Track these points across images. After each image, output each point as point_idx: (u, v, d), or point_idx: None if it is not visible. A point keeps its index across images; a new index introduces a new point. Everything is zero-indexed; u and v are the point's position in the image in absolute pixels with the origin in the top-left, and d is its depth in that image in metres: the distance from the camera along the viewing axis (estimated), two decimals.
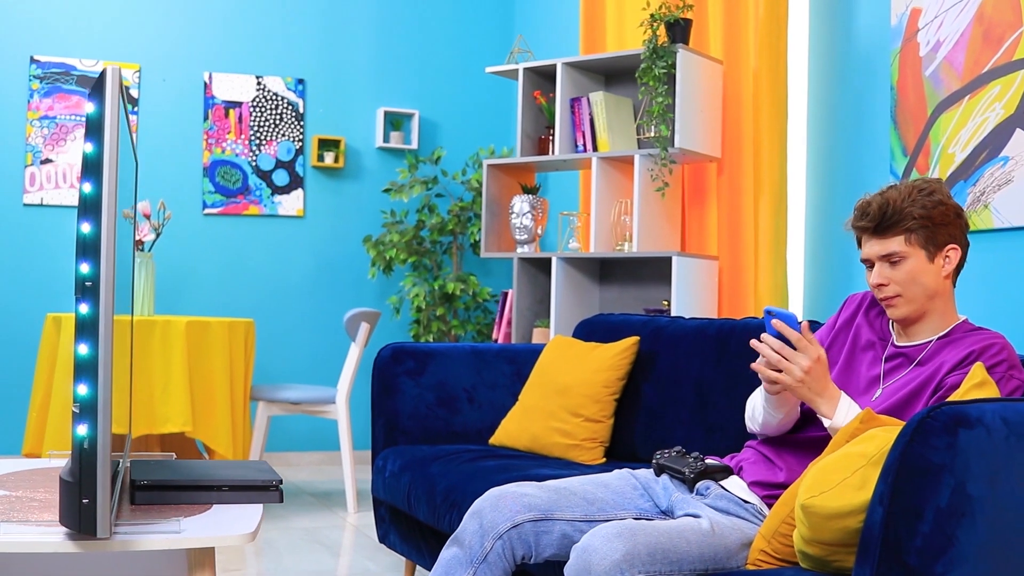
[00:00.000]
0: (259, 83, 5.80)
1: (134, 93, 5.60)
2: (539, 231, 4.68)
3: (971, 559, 1.61)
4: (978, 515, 1.61)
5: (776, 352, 2.13)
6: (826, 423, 2.10)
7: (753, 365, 2.16)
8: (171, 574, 2.25)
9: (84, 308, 1.52)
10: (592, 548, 1.92)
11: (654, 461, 2.38)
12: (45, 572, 2.19)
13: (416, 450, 3.26)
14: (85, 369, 1.52)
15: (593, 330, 3.59)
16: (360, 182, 6.04)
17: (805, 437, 2.29)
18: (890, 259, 2.18)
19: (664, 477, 2.35)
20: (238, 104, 5.76)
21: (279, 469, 5.75)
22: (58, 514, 1.62)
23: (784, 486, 2.23)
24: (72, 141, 5.48)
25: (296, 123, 5.88)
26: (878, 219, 2.18)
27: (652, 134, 4.22)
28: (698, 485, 2.29)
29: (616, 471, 2.41)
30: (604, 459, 3.22)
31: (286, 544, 4.07)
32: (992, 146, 3.25)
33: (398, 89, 6.13)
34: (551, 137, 4.73)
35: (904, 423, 1.93)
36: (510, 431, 3.35)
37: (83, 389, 1.53)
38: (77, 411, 1.53)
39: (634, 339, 3.28)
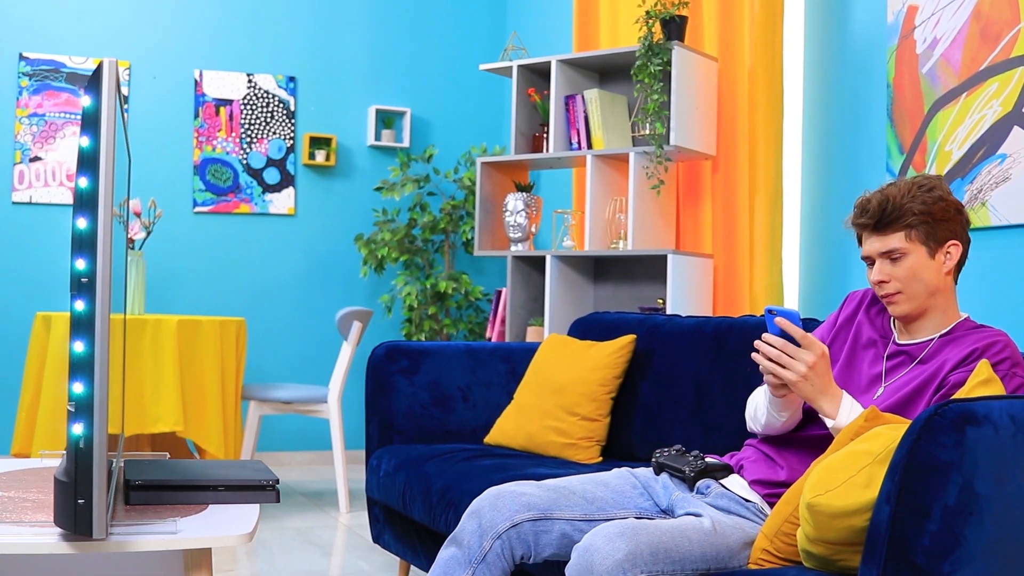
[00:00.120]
0: (250, 81, 5.77)
1: (124, 91, 5.56)
2: (533, 229, 4.66)
3: (978, 558, 1.59)
4: (985, 513, 1.59)
5: (779, 349, 2.11)
6: (829, 423, 2.08)
7: (757, 357, 2.14)
8: (166, 575, 2.22)
9: (80, 305, 1.49)
10: (594, 548, 1.90)
11: (654, 460, 2.36)
12: (39, 574, 2.16)
13: (411, 449, 3.24)
14: (81, 367, 1.49)
15: (589, 328, 3.57)
16: (351, 180, 6.01)
17: (806, 435, 2.27)
18: (891, 256, 2.17)
19: (664, 476, 2.33)
20: (229, 102, 5.73)
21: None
22: (52, 515, 1.60)
23: (785, 485, 2.21)
24: (61, 139, 5.44)
25: (287, 121, 5.85)
26: (878, 216, 2.16)
27: (647, 132, 4.21)
28: (698, 484, 2.27)
29: (615, 470, 2.39)
30: (601, 458, 3.20)
31: (279, 544, 4.04)
32: (989, 143, 3.23)
33: (390, 87, 6.10)
34: (545, 135, 4.71)
35: (908, 421, 1.92)
36: (505, 430, 3.33)
37: (79, 387, 1.50)
38: (73, 410, 1.51)
39: (631, 337, 3.26)
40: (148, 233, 4.69)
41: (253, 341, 5.78)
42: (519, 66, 4.73)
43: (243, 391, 4.74)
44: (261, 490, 2.10)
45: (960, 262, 2.20)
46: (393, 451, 3.27)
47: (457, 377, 3.53)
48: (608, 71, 4.68)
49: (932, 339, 2.19)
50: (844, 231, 3.85)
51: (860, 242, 2.24)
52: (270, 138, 5.80)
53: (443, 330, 5.76)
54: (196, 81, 5.68)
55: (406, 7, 6.13)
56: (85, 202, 1.49)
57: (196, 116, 5.67)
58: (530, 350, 3.67)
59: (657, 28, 4.14)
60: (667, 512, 2.27)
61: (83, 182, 1.48)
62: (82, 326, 1.49)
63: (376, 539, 3.42)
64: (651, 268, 4.45)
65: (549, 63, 4.60)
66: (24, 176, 5.38)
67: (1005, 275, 3.21)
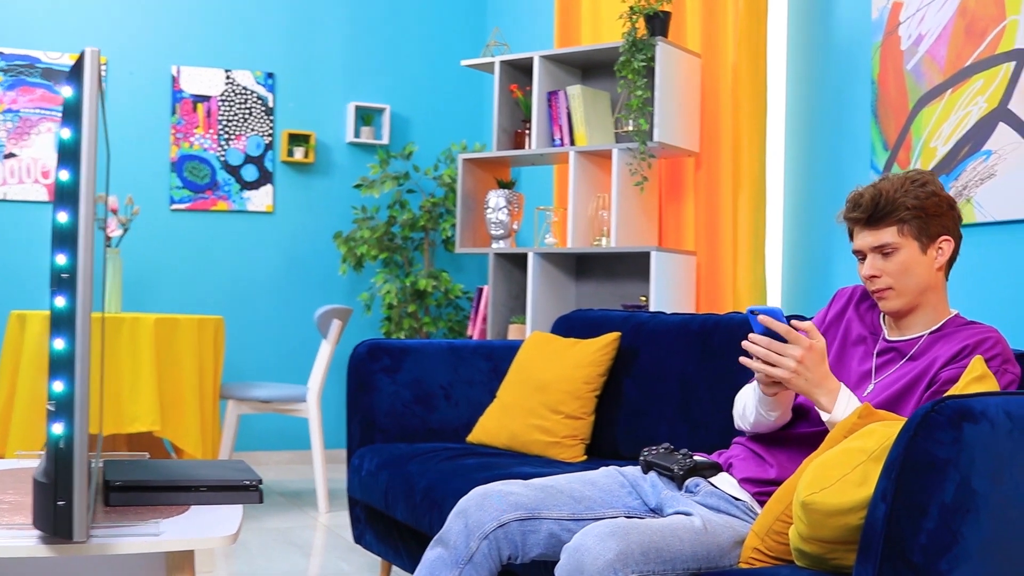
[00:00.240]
0: (228, 77, 5.71)
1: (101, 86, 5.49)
2: (515, 226, 4.63)
3: (975, 556, 1.57)
4: (982, 511, 1.57)
5: (765, 348, 2.09)
6: (824, 417, 2.05)
7: (746, 361, 2.12)
8: None
9: (60, 301, 1.45)
10: (585, 548, 1.87)
11: (641, 458, 2.33)
12: None
13: (393, 448, 3.20)
14: (62, 365, 1.45)
15: (572, 326, 3.54)
16: (330, 177, 5.96)
17: (796, 433, 2.25)
18: (882, 250, 2.15)
19: (652, 474, 2.31)
20: (206, 98, 5.67)
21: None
22: (31, 517, 1.55)
23: (775, 483, 2.19)
24: (37, 135, 5.36)
25: (265, 117, 5.79)
26: (871, 210, 2.14)
27: (631, 128, 4.18)
28: (687, 482, 2.24)
29: (603, 468, 2.36)
30: (585, 456, 3.17)
31: (258, 545, 3.99)
32: (975, 140, 3.23)
33: (369, 83, 6.05)
34: (527, 131, 4.68)
35: (902, 418, 1.90)
36: (488, 429, 3.29)
37: (59, 386, 1.46)
38: (53, 409, 1.46)
39: (615, 335, 3.24)
40: (125, 230, 4.63)
41: (231, 339, 5.72)
42: (502, 62, 4.70)
43: (221, 390, 4.69)
44: (244, 490, 2.06)
45: (952, 258, 2.19)
46: (375, 450, 3.23)
47: (439, 375, 3.49)
48: (591, 67, 4.66)
49: (922, 336, 2.17)
50: (828, 228, 3.84)
51: (851, 236, 2.22)
52: (248, 135, 5.75)
53: (423, 328, 5.72)
54: (173, 77, 5.61)
55: (385, 3, 6.09)
56: (66, 196, 1.45)
57: (173, 112, 5.61)
58: (512, 348, 3.64)
59: (641, 24, 4.11)
60: (656, 511, 2.25)
61: (64, 175, 1.44)
62: (63, 323, 1.45)
63: (357, 539, 3.38)
64: (633, 265, 4.42)
65: (531, 59, 4.57)
66: None
67: (990, 272, 3.21)
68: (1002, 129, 3.14)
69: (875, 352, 2.24)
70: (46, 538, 1.58)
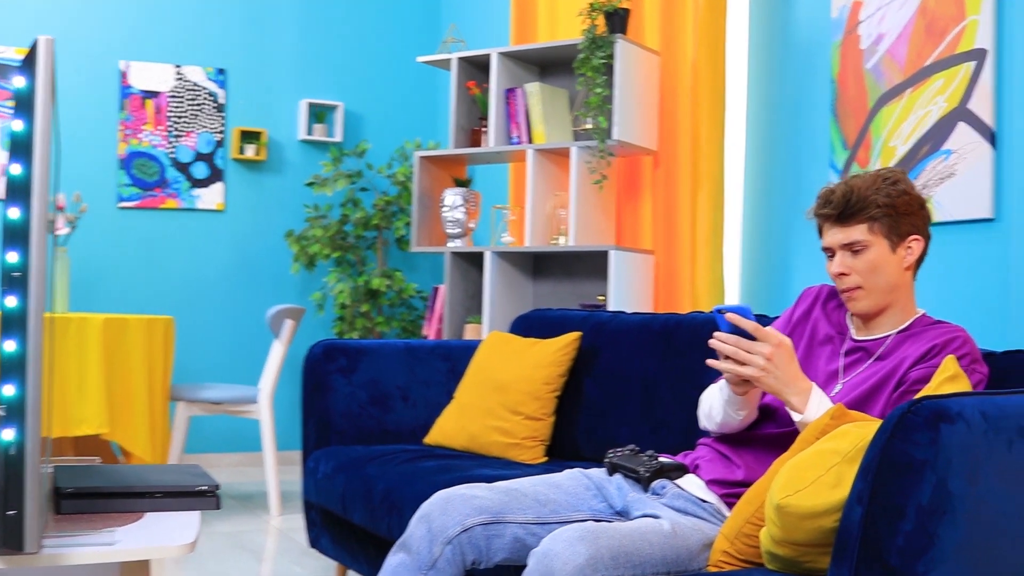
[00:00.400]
0: (178, 72, 5.60)
1: None
2: (471, 225, 4.58)
3: (951, 557, 1.55)
4: (959, 512, 1.56)
5: (732, 346, 2.06)
6: (796, 418, 2.02)
7: (714, 363, 2.09)
8: None
9: (11, 301, 1.38)
10: (554, 553, 1.83)
11: (607, 460, 2.30)
12: None
13: (350, 451, 3.14)
14: (12, 367, 1.38)
15: (531, 326, 3.50)
16: (282, 175, 5.87)
17: (762, 434, 2.23)
18: (852, 248, 2.13)
19: (617, 476, 2.27)
20: (156, 94, 5.56)
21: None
22: None
23: (743, 484, 2.16)
24: None
25: (216, 114, 5.69)
26: (842, 206, 2.13)
27: (589, 126, 4.15)
28: (653, 484, 2.21)
29: (567, 471, 2.32)
30: (546, 458, 3.13)
31: (209, 550, 3.91)
32: (935, 139, 3.23)
33: (322, 80, 5.97)
34: (484, 129, 4.63)
35: (874, 419, 1.88)
36: (446, 430, 3.24)
37: (10, 389, 1.39)
38: (3, 413, 1.39)
39: (576, 334, 3.20)
40: (72, 228, 4.52)
41: (180, 340, 5.62)
42: (459, 59, 4.64)
43: (171, 391, 4.59)
44: (200, 496, 2.00)
45: (920, 258, 2.17)
46: (331, 452, 3.17)
47: (396, 376, 3.44)
48: (548, 64, 4.62)
49: (890, 335, 2.16)
50: (787, 227, 3.84)
51: (820, 233, 2.20)
52: (198, 132, 5.65)
53: (376, 328, 5.65)
54: (122, 72, 5.50)
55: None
56: (18, 190, 1.38)
57: (121, 108, 5.49)
58: (470, 348, 3.59)
59: (600, 21, 4.08)
60: (622, 514, 2.21)
61: (16, 169, 1.37)
62: (14, 323, 1.38)
63: (313, 543, 3.32)
64: (591, 264, 4.39)
65: (489, 56, 4.52)
66: None
67: (951, 271, 3.21)
68: (962, 128, 3.14)
69: (842, 352, 2.22)
70: None
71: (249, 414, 4.66)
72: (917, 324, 2.16)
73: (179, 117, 5.60)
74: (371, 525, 2.81)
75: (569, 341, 3.19)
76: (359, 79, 6.06)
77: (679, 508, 2.14)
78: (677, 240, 4.11)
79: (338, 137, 5.92)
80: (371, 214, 5.71)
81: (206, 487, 2.00)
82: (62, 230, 4.47)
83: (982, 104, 3.09)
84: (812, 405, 2.01)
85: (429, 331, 4.79)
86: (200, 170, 5.65)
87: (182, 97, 5.61)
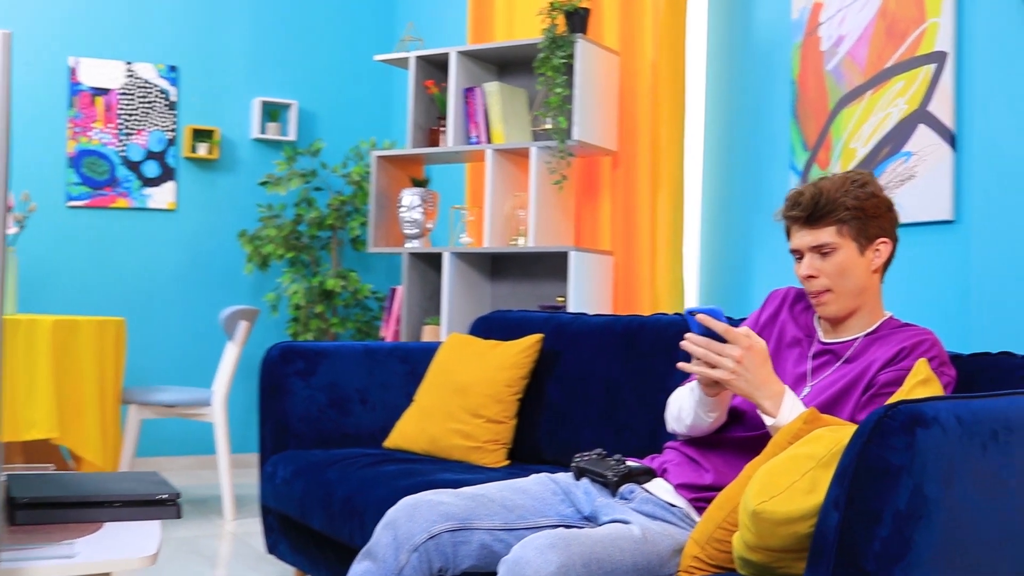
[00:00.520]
0: (128, 69, 5.50)
1: None
2: (429, 225, 4.54)
3: (927, 562, 1.55)
4: (934, 517, 1.55)
5: (703, 348, 2.04)
6: (768, 421, 2.01)
7: (684, 366, 2.07)
8: None
9: None
10: (525, 560, 1.80)
11: (574, 464, 2.27)
12: None
13: (309, 455, 3.09)
14: None
15: (491, 327, 3.47)
16: (235, 174, 5.79)
17: (731, 437, 2.21)
18: (821, 250, 2.12)
19: (584, 481, 2.24)
20: (106, 91, 5.46)
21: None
22: None
23: (712, 488, 2.15)
24: None
25: (168, 112, 5.60)
26: (811, 209, 2.12)
27: (549, 126, 4.12)
28: (621, 489, 2.18)
29: (534, 476, 2.29)
30: (508, 461, 3.10)
31: (163, 555, 3.84)
32: (895, 141, 3.24)
33: (275, 78, 5.90)
34: (443, 128, 4.59)
35: (847, 423, 1.87)
36: (406, 433, 3.20)
37: None
38: None
39: (537, 336, 3.17)
40: (21, 228, 4.42)
41: (131, 342, 5.52)
42: (416, 57, 4.60)
43: (122, 394, 4.51)
44: (160, 505, 1.95)
45: (888, 260, 2.17)
46: (289, 457, 3.12)
47: (354, 379, 3.39)
48: (506, 63, 4.59)
49: (857, 337, 2.16)
50: (747, 228, 3.84)
51: (788, 235, 2.19)
52: (150, 130, 5.55)
53: (330, 329, 5.59)
54: (71, 69, 5.39)
55: None
56: None
57: (71, 106, 5.38)
58: (429, 350, 3.55)
59: (560, 20, 4.06)
60: (590, 519, 2.18)
61: None
62: None
63: (271, 549, 3.26)
64: (550, 265, 4.37)
65: (447, 55, 4.48)
66: None
67: (911, 272, 3.22)
68: (922, 131, 3.15)
69: (810, 354, 2.21)
70: None
71: (203, 417, 4.58)
72: (885, 327, 2.16)
73: (130, 115, 5.50)
74: (331, 531, 2.76)
75: (531, 343, 3.16)
76: (313, 77, 5.99)
77: (648, 513, 2.12)
78: (636, 241, 4.09)
79: (292, 136, 5.85)
80: (325, 214, 5.64)
81: (166, 495, 1.94)
82: (11, 230, 4.37)
83: (942, 106, 3.11)
84: (785, 409, 2.00)
85: (386, 332, 4.74)
86: (151, 169, 5.56)
87: (133, 94, 5.51)
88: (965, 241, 3.10)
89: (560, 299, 4.16)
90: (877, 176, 3.29)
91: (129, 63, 5.50)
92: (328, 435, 3.29)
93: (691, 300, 4.06)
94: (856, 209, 2.10)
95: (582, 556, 1.83)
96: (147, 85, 5.54)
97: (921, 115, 3.16)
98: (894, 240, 2.16)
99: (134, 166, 5.51)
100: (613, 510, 2.13)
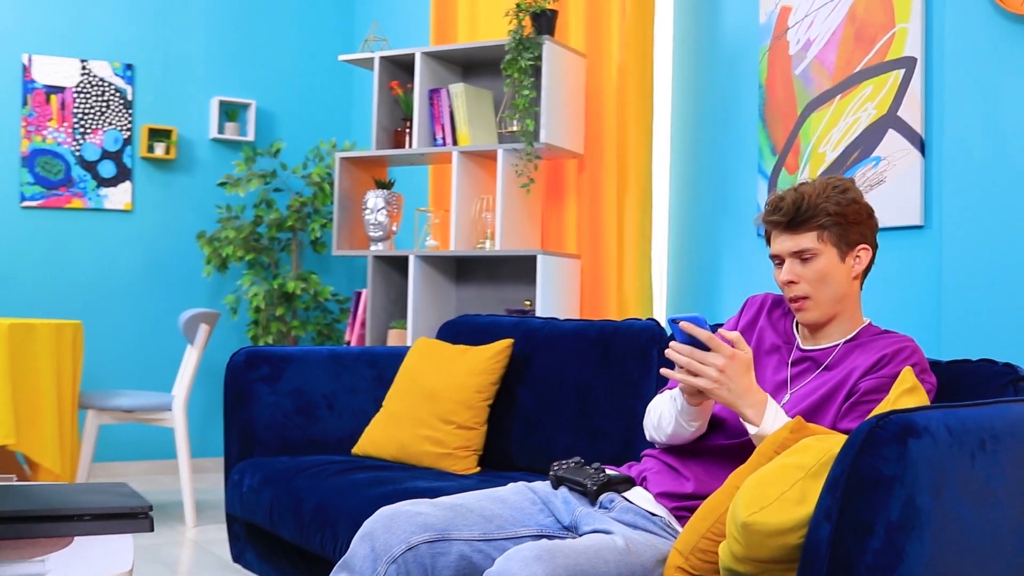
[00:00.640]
0: (84, 67, 5.40)
1: None
2: (394, 228, 4.49)
3: (918, 574, 1.54)
4: (925, 528, 1.54)
5: (686, 356, 2.02)
6: (752, 430, 1.99)
7: (668, 372, 2.05)
8: None
9: None
10: (510, 573, 1.77)
11: (551, 473, 2.24)
12: None
13: (276, 462, 3.04)
14: None
15: (459, 332, 3.43)
16: (193, 175, 5.70)
17: (712, 446, 2.19)
18: (801, 256, 2.12)
19: (563, 490, 2.22)
20: (60, 89, 5.35)
21: (104, 481, 5.37)
22: None
23: (693, 497, 2.13)
24: None
25: (124, 111, 5.50)
26: (792, 214, 2.11)
27: (515, 128, 4.09)
28: (601, 498, 2.16)
29: (511, 485, 2.26)
30: (478, 468, 3.07)
31: None
32: (864, 146, 3.25)
33: (233, 77, 5.82)
34: (407, 130, 4.55)
35: (834, 432, 1.85)
36: (375, 439, 3.16)
37: None
38: None
39: (508, 341, 3.14)
40: None
41: (88, 345, 5.41)
42: (381, 58, 4.55)
43: (80, 399, 4.42)
44: (133, 518, 1.89)
45: (868, 267, 2.17)
46: (256, 464, 3.06)
47: (321, 384, 3.34)
48: (471, 65, 4.56)
49: (837, 344, 2.15)
50: (715, 232, 3.83)
51: (768, 240, 2.18)
52: (105, 129, 5.45)
53: (291, 332, 5.52)
54: (24, 66, 5.27)
55: None
56: None
57: (24, 104, 5.27)
58: (397, 355, 3.50)
59: (527, 22, 4.03)
60: (570, 529, 2.16)
61: None
62: None
63: (236, 558, 3.20)
64: (515, 269, 4.34)
65: (413, 55, 4.44)
66: None
67: (881, 278, 3.23)
68: (891, 136, 3.16)
69: (790, 361, 2.20)
70: None
71: (163, 422, 4.51)
72: (864, 333, 2.15)
73: (85, 114, 5.40)
74: (302, 541, 2.71)
75: (501, 348, 3.13)
76: (272, 77, 5.92)
77: (628, 522, 2.09)
78: (603, 245, 4.08)
79: (250, 136, 5.77)
80: (285, 215, 5.57)
81: (138, 508, 1.89)
82: None
83: (911, 112, 3.12)
84: (768, 418, 1.98)
85: (351, 336, 4.69)
86: (107, 169, 5.46)
87: (88, 93, 5.41)
88: (935, 246, 3.11)
89: (527, 303, 4.13)
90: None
91: (84, 61, 5.40)
92: (295, 442, 3.24)
93: (660, 304, 4.05)
94: (837, 215, 2.09)
95: (567, 568, 1.80)
96: (103, 83, 5.45)
97: (890, 120, 3.17)
98: (874, 247, 2.16)
99: (90, 166, 5.41)
100: (594, 520, 2.10)
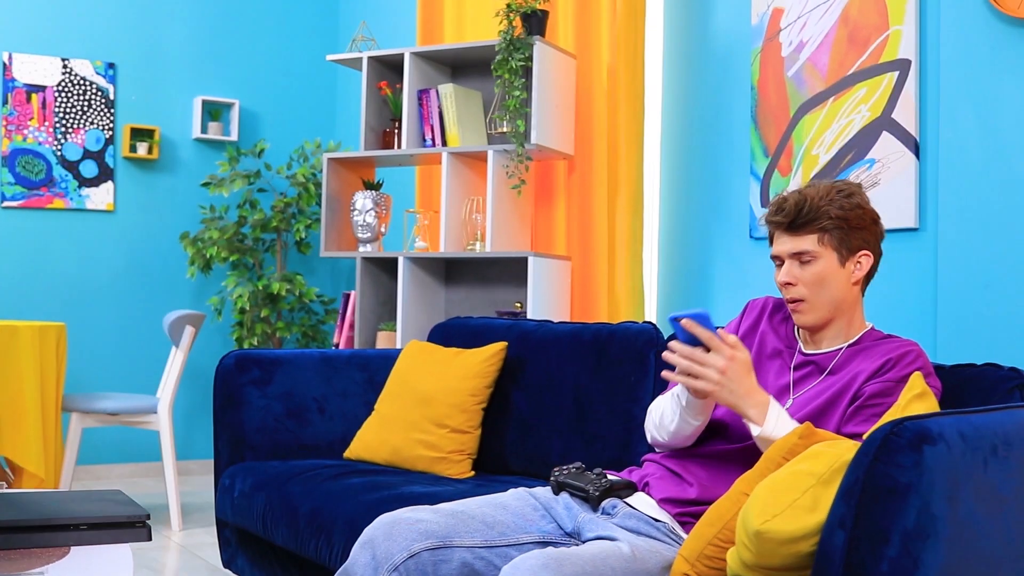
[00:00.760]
0: (65, 66, 5.34)
1: None
2: (383, 229, 4.46)
3: None
4: (940, 536, 1.53)
5: (686, 358, 2.00)
6: (755, 431, 1.97)
7: (669, 375, 2.03)
8: None
9: None
10: None
11: (552, 479, 2.22)
12: None
13: (267, 467, 3.00)
14: None
15: (450, 335, 3.40)
16: (176, 175, 5.65)
17: (714, 450, 2.18)
18: (800, 258, 2.10)
19: (564, 496, 2.19)
20: (42, 88, 5.29)
21: (87, 484, 5.31)
22: None
23: (697, 503, 2.11)
24: None
25: (106, 110, 5.44)
26: (793, 215, 2.09)
27: (506, 129, 4.07)
28: (603, 504, 2.14)
29: (512, 491, 2.23)
30: (473, 472, 3.04)
31: None
32: (858, 148, 3.24)
33: (217, 77, 5.77)
34: (396, 130, 4.51)
35: (843, 439, 1.84)
36: (368, 443, 3.13)
37: None
38: None
39: (502, 344, 3.11)
40: None
41: (70, 347, 5.35)
42: (370, 58, 4.51)
43: (63, 402, 4.36)
44: (130, 527, 1.86)
45: (870, 273, 2.15)
46: (247, 469, 3.02)
47: (312, 387, 3.30)
48: (460, 65, 4.53)
49: (840, 349, 2.13)
50: (707, 234, 3.82)
51: (771, 241, 2.17)
52: (87, 128, 5.39)
53: (276, 334, 5.48)
54: (5, 65, 5.21)
55: None
56: None
57: (5, 103, 5.21)
58: (388, 357, 3.47)
59: (518, 22, 4.00)
60: (573, 535, 2.13)
61: None
62: None
63: (227, 564, 3.17)
64: (505, 270, 4.31)
65: (402, 55, 4.40)
66: None
67: (876, 280, 3.22)
68: (886, 138, 3.16)
69: (792, 365, 2.19)
70: None
71: (147, 425, 4.46)
72: (867, 338, 2.14)
73: (66, 113, 5.34)
74: (296, 547, 2.68)
75: (495, 351, 3.10)
76: (255, 76, 5.87)
77: (631, 528, 2.07)
78: (593, 246, 4.06)
79: (234, 136, 5.72)
80: (269, 216, 5.52)
81: (135, 517, 1.86)
82: None
83: (906, 114, 3.11)
84: (771, 418, 1.97)
85: (339, 339, 4.65)
86: (89, 168, 5.40)
87: (70, 92, 5.35)
88: (929, 248, 3.11)
89: (518, 305, 4.11)
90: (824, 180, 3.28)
91: (65, 59, 5.34)
92: (286, 446, 3.21)
93: (651, 307, 4.03)
94: (840, 219, 2.08)
95: None
96: (84, 82, 5.38)
97: (884, 122, 3.16)
98: (877, 254, 2.15)
99: (71, 166, 5.35)
100: (597, 526, 2.08)
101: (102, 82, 5.43)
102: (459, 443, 3.03)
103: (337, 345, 4.64)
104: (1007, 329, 2.87)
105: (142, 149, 5.50)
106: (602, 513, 2.13)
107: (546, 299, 3.97)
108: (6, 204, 5.20)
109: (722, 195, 3.75)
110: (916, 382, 1.87)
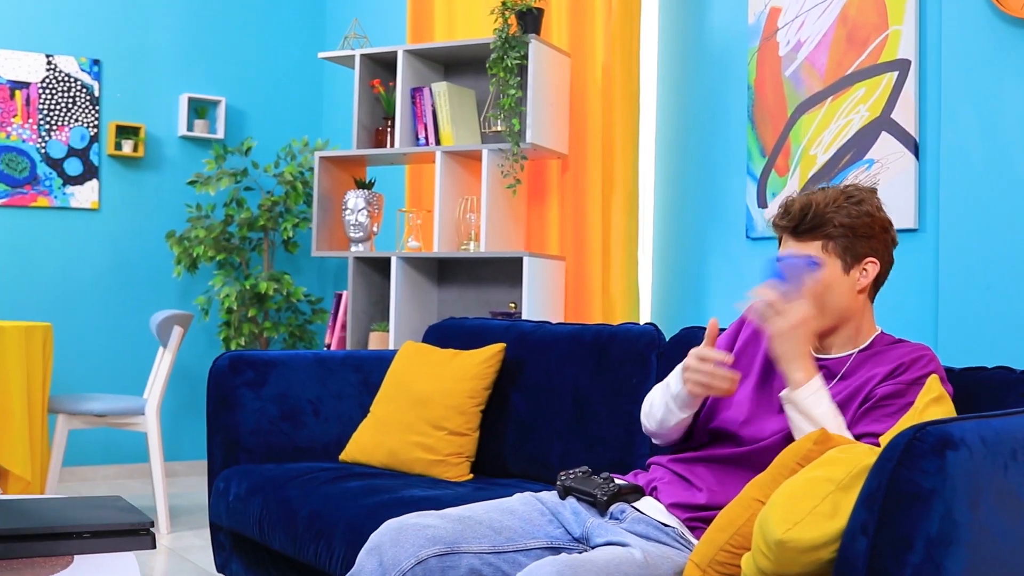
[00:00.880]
0: (49, 62, 5.27)
1: None
2: (375, 229, 4.42)
3: None
4: (963, 542, 1.51)
5: (783, 294, 2.03)
6: (790, 392, 1.99)
7: (753, 291, 2.07)
8: None
9: None
10: None
11: (558, 483, 2.19)
12: None
13: (263, 470, 2.96)
14: None
15: (446, 336, 3.37)
16: (162, 173, 5.59)
17: (719, 454, 2.16)
18: None
19: (571, 500, 2.17)
20: (25, 85, 5.22)
21: (72, 486, 5.25)
22: None
23: (706, 508, 2.09)
24: None
25: (91, 107, 5.38)
26: (798, 220, 2.08)
27: (500, 128, 4.04)
28: (611, 508, 2.11)
29: (519, 495, 2.20)
30: (471, 475, 3.01)
31: None
32: (856, 148, 3.23)
33: (203, 74, 5.71)
34: (389, 129, 4.47)
35: (859, 443, 1.82)
36: (364, 446, 3.09)
37: None
38: None
39: (500, 346, 3.08)
40: None
41: (56, 348, 5.29)
42: (362, 56, 4.47)
43: (49, 404, 4.30)
44: (134, 535, 1.82)
45: (878, 281, 2.13)
46: (242, 472, 2.98)
47: (306, 389, 3.27)
48: (453, 64, 4.49)
49: (851, 354, 2.12)
50: (703, 234, 3.80)
51: (780, 243, 2.15)
52: (72, 126, 5.33)
53: (263, 334, 5.43)
54: None
55: None
56: None
57: None
58: (383, 358, 3.44)
59: (513, 20, 3.97)
60: (581, 540, 2.11)
61: None
62: None
63: (221, 568, 3.13)
64: (498, 270, 4.28)
65: (395, 53, 4.37)
66: None
67: None
68: (885, 138, 3.15)
69: None
70: None
71: (134, 426, 4.41)
72: (878, 342, 2.12)
73: (50, 110, 5.28)
74: (295, 552, 2.64)
75: (493, 352, 3.07)
76: (242, 73, 5.82)
77: (641, 533, 2.05)
78: (587, 246, 4.03)
79: (220, 133, 5.67)
80: (257, 215, 5.47)
81: (139, 525, 1.82)
82: None
83: (905, 114, 3.10)
84: (811, 387, 1.98)
85: (331, 339, 4.61)
86: (74, 166, 5.34)
87: (54, 89, 5.29)
88: (929, 249, 3.10)
89: (512, 305, 4.08)
90: (837, 183, 3.27)
91: (49, 56, 5.28)
92: (281, 448, 3.17)
93: (645, 307, 4.01)
94: (845, 227, 2.05)
95: None
96: (69, 79, 5.32)
97: (883, 122, 3.15)
98: (886, 262, 2.12)
99: (55, 163, 5.29)
100: (606, 531, 2.05)
101: (87, 79, 5.37)
102: (457, 446, 3.00)
103: (329, 346, 4.60)
104: (1008, 331, 2.86)
105: (127, 147, 5.44)
106: (610, 518, 2.10)
107: (540, 299, 3.94)
108: None
109: (718, 195, 3.73)
110: (933, 385, 1.85)
